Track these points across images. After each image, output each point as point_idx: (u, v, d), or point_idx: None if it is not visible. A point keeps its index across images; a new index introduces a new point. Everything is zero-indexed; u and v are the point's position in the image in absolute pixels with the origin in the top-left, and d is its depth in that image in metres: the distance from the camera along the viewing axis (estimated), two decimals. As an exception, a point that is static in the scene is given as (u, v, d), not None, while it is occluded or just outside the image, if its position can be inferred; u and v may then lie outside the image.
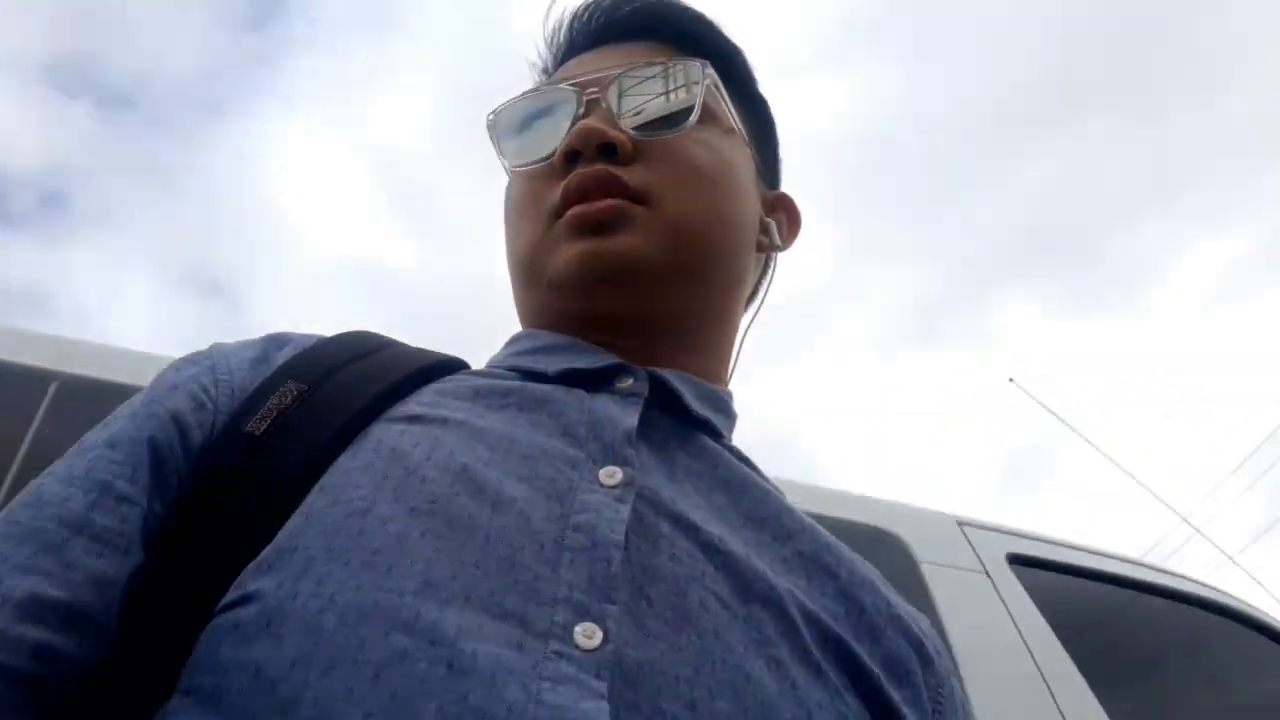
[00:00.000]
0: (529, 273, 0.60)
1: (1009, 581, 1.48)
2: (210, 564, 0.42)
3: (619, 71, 0.60)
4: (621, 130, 0.58)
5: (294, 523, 0.42)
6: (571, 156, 0.58)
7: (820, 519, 0.56)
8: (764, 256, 0.69)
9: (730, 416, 0.60)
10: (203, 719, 0.36)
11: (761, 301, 0.71)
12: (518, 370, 0.57)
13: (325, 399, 0.49)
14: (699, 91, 0.60)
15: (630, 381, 0.54)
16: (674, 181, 0.58)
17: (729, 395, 0.61)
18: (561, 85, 0.62)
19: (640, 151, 0.58)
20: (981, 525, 1.61)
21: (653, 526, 0.46)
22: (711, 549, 0.46)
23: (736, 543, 0.48)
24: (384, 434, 0.47)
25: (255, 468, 0.45)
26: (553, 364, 0.56)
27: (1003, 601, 1.44)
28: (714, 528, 0.48)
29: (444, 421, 0.48)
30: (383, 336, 0.57)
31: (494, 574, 0.40)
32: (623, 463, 0.47)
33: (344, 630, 0.37)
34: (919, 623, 0.52)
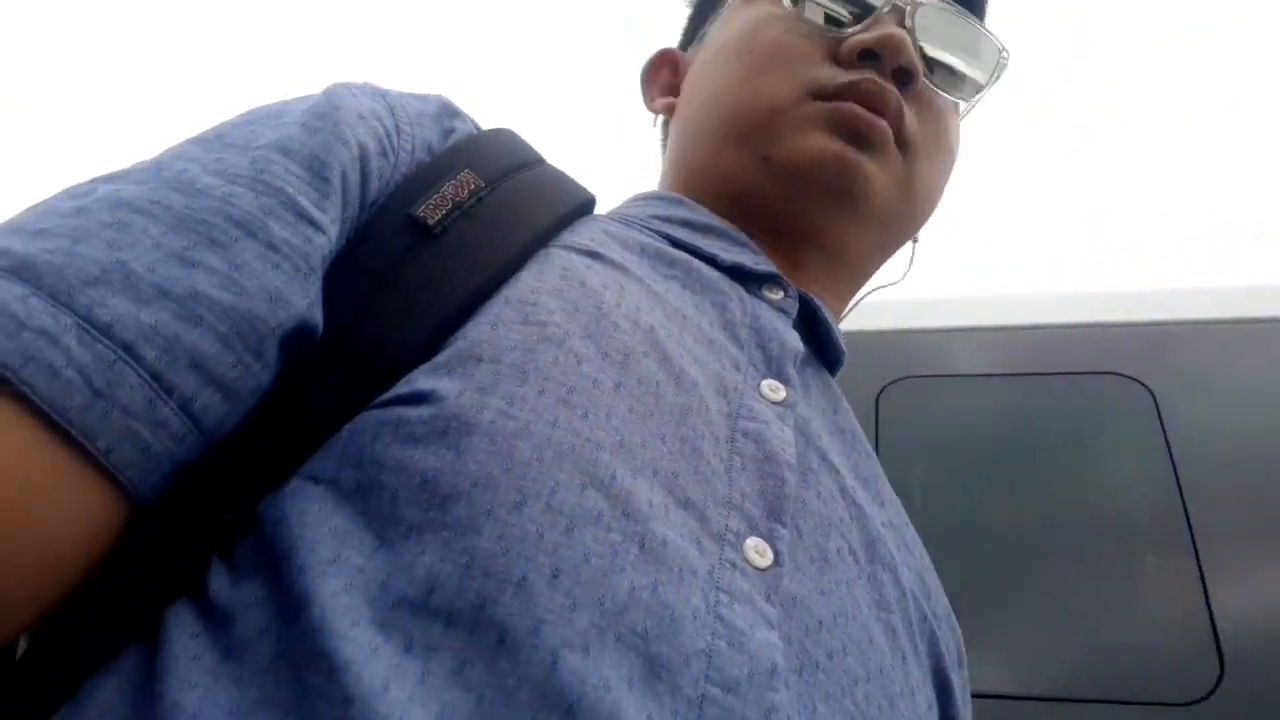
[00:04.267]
0: (746, 129, 0.53)
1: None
2: (371, 351, 0.36)
3: (934, 3, 0.55)
4: (922, 66, 0.54)
5: (477, 330, 0.37)
6: (867, 55, 0.52)
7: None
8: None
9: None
10: (340, 513, 0.31)
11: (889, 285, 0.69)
12: (669, 239, 0.51)
13: (505, 204, 0.43)
14: (997, 71, 0.58)
15: (781, 295, 0.50)
16: (930, 149, 0.55)
17: None
18: None
19: (916, 97, 0.54)
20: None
21: (804, 457, 0.43)
22: (847, 496, 0.44)
23: (862, 496, 0.46)
24: (568, 262, 0.42)
25: (431, 262, 0.39)
26: (716, 248, 0.51)
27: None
28: (847, 474, 0.46)
29: (624, 270, 0.44)
30: (531, 145, 0.50)
31: (679, 455, 0.37)
32: (786, 381, 0.44)
33: (539, 467, 0.32)
34: (955, 621, 0.51)
